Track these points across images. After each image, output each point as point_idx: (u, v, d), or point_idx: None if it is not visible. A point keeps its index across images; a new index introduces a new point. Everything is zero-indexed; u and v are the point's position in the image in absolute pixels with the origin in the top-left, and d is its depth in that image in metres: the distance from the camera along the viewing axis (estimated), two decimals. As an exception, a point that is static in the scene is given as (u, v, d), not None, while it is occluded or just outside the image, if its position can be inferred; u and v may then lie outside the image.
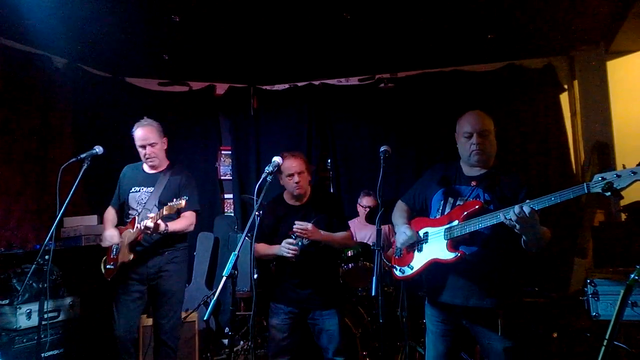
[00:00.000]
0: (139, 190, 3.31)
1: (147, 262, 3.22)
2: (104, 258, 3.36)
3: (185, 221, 3.28)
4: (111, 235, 3.25)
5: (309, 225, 2.84)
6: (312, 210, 3.03)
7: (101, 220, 4.27)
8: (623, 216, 4.19)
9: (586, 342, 3.19)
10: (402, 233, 2.44)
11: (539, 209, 1.97)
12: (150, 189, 3.28)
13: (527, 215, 1.96)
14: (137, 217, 3.20)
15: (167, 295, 3.26)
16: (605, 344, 2.22)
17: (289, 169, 2.98)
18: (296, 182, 2.98)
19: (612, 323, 2.25)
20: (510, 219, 2.01)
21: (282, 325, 3.00)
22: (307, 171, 3.07)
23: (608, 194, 1.83)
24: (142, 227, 3.03)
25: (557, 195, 1.93)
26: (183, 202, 3.00)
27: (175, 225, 3.20)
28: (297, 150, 3.21)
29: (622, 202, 4.34)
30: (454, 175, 2.41)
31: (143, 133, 3.29)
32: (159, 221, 3.03)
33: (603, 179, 1.84)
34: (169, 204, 3.02)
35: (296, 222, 2.87)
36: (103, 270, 3.32)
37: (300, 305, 3.00)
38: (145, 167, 3.41)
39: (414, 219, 2.55)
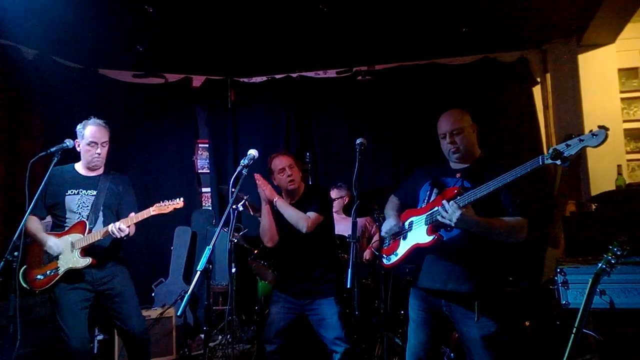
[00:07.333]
0: (78, 193, 3.05)
1: (94, 266, 3.00)
2: (23, 268, 2.94)
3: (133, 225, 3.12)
4: (56, 244, 2.95)
5: None
6: (304, 210, 3.04)
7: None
8: (593, 206, 4.29)
9: (557, 330, 3.27)
10: (387, 222, 2.59)
11: (506, 185, 2.05)
12: (92, 192, 3.07)
13: (449, 209, 2.10)
14: (86, 222, 3.00)
15: (123, 295, 3.10)
16: (574, 331, 2.28)
17: (279, 165, 3.07)
18: (289, 176, 3.06)
19: (581, 311, 2.31)
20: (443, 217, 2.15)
21: (279, 313, 3.07)
22: (298, 166, 3.14)
23: (558, 162, 1.95)
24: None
25: (517, 170, 2.03)
26: (182, 203, 3.10)
27: (133, 229, 3.08)
28: (276, 144, 3.23)
29: (592, 193, 4.46)
30: (441, 169, 2.52)
31: (98, 131, 3.06)
32: (132, 226, 3.01)
33: (554, 149, 1.95)
34: (161, 203, 3.05)
35: None
36: (25, 283, 2.93)
37: (299, 295, 3.05)
38: (79, 169, 3.13)
39: (404, 211, 2.63)
